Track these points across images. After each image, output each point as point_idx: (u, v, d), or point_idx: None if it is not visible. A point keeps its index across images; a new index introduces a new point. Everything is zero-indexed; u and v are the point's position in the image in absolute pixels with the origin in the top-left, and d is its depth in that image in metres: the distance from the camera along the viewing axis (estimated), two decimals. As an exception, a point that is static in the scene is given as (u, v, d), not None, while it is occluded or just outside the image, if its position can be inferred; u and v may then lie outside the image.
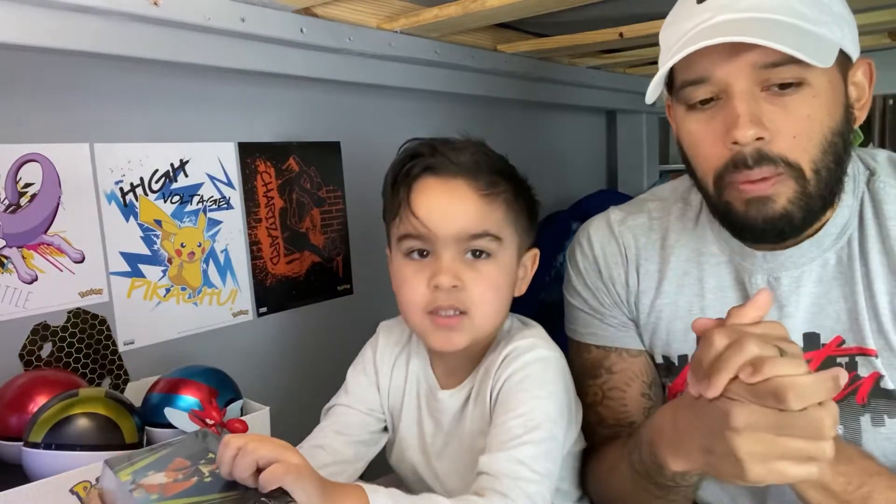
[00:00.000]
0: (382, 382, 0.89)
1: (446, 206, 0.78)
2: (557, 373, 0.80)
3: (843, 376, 0.54)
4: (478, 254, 0.79)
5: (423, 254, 0.80)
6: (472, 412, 0.82)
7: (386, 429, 0.92)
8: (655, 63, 2.02)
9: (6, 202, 0.92)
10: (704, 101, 0.72)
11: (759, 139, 0.68)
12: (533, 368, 0.78)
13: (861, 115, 0.75)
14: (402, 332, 0.92)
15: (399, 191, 0.81)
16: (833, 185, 0.73)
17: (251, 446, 0.56)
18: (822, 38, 0.68)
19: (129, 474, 0.58)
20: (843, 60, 0.71)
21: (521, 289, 0.86)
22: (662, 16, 1.27)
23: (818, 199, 0.72)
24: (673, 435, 0.66)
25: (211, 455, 0.61)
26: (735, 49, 0.67)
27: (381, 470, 0.94)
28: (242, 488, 0.56)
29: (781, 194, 0.70)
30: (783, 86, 0.68)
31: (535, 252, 0.87)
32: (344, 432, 0.86)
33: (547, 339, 0.84)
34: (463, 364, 0.84)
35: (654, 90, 0.73)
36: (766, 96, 0.69)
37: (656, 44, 1.61)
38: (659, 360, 0.90)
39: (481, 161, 0.80)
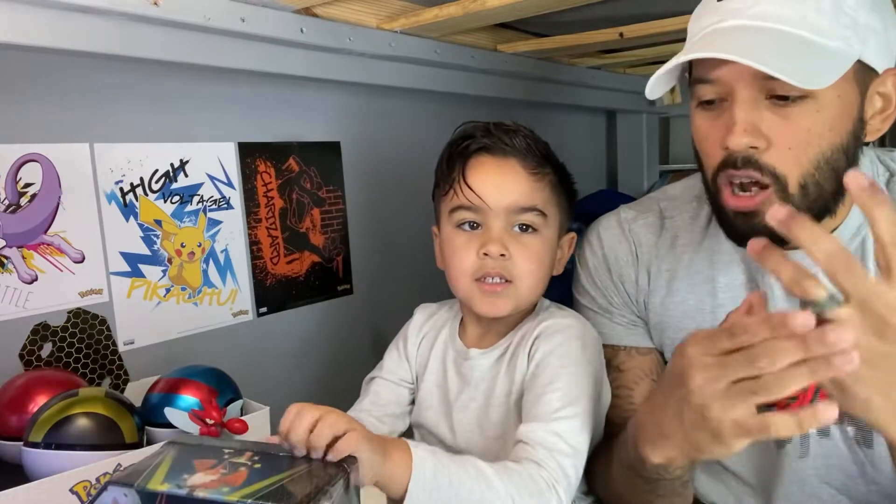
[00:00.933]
0: (411, 351, 0.95)
1: (499, 180, 0.84)
2: (594, 353, 0.86)
3: (758, 298, 0.55)
4: (524, 228, 0.85)
5: (473, 226, 0.85)
6: (503, 372, 0.86)
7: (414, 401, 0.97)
8: (655, 63, 2.02)
9: (6, 202, 0.92)
10: (711, 100, 0.73)
11: (753, 148, 0.69)
12: (573, 345, 0.83)
13: (884, 127, 0.74)
14: (437, 309, 0.98)
15: (454, 166, 0.87)
16: (826, 199, 0.72)
17: (331, 418, 0.61)
18: (829, 54, 0.67)
19: (162, 484, 0.55)
20: (864, 72, 0.70)
21: (559, 269, 0.91)
22: (662, 16, 1.28)
23: (804, 212, 0.71)
24: (653, 427, 0.67)
25: (229, 450, 0.61)
26: None
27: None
28: (304, 462, 0.59)
29: (765, 210, 0.70)
30: (784, 97, 0.68)
31: (573, 236, 0.92)
32: (378, 403, 0.93)
33: (585, 321, 0.89)
34: (497, 329, 0.89)
35: (655, 84, 0.73)
36: (769, 104, 0.68)
37: (656, 44, 1.62)
38: (669, 357, 0.90)
39: (531, 144, 0.86)
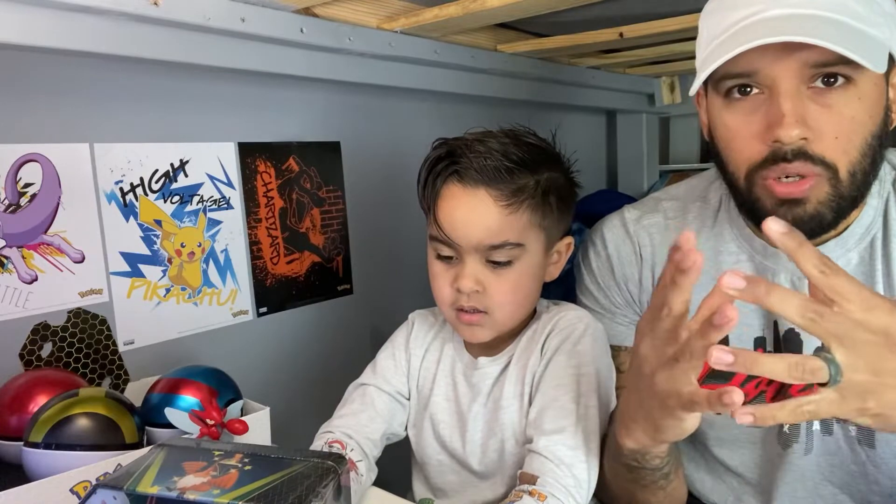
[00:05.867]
0: (413, 364, 0.94)
1: (467, 217, 0.81)
2: (605, 345, 0.87)
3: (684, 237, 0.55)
4: (497, 263, 0.82)
5: (448, 258, 0.84)
6: (513, 375, 0.86)
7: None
8: (655, 63, 2.01)
9: (6, 202, 0.92)
10: (744, 93, 0.71)
11: (803, 139, 0.67)
12: (584, 344, 0.83)
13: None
14: (435, 319, 0.97)
15: (427, 193, 0.85)
16: (865, 187, 0.72)
17: None
18: (874, 40, 0.66)
19: (151, 487, 0.55)
20: (888, 61, 0.69)
21: (553, 274, 0.89)
22: (662, 16, 1.28)
23: (849, 200, 0.71)
24: (624, 411, 0.69)
25: (219, 452, 0.60)
26: (787, 46, 0.65)
27: (393, 470, 0.95)
28: (295, 463, 0.58)
29: (813, 197, 0.69)
30: (829, 82, 0.67)
31: (570, 241, 0.90)
32: (375, 418, 0.90)
33: (589, 314, 0.89)
34: (501, 336, 0.89)
35: (698, 83, 0.71)
36: (811, 94, 0.68)
37: (656, 44, 1.61)
38: None
39: (503, 168, 0.80)
